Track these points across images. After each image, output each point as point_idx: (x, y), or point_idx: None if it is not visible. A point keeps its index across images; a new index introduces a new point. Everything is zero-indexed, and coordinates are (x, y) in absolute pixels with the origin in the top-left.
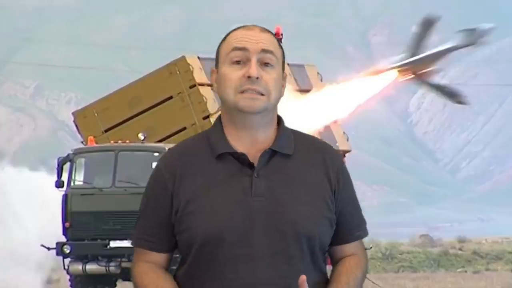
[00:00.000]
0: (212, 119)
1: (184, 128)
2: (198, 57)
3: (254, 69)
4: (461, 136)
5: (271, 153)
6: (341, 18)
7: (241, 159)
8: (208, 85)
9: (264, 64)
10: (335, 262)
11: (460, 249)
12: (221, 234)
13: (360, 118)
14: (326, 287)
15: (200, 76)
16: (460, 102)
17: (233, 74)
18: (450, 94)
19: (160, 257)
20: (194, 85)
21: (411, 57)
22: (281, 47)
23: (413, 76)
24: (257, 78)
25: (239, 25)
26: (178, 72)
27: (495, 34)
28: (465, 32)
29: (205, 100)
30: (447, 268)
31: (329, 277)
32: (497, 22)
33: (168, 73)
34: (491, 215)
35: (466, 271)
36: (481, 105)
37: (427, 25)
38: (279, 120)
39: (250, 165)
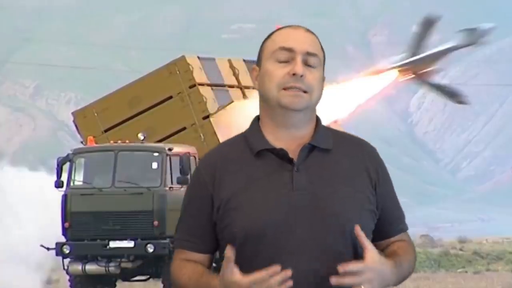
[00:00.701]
0: (212, 119)
1: (184, 128)
2: (198, 57)
3: (300, 67)
4: (462, 136)
5: (310, 148)
6: (341, 18)
7: (280, 154)
8: (208, 85)
9: (308, 65)
10: None
11: (460, 249)
12: (263, 229)
13: (360, 118)
14: None
15: (200, 76)
16: (460, 102)
17: (278, 71)
18: (451, 94)
19: (202, 258)
20: (194, 85)
21: (411, 57)
22: (323, 50)
23: (413, 76)
24: (302, 76)
25: (242, 24)
26: (178, 72)
27: (495, 34)
28: (465, 32)
29: (205, 100)
30: (447, 268)
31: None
32: (497, 22)
33: (168, 73)
34: (492, 215)
35: (466, 272)
36: (481, 105)
37: (428, 24)
38: (317, 119)
39: (290, 160)
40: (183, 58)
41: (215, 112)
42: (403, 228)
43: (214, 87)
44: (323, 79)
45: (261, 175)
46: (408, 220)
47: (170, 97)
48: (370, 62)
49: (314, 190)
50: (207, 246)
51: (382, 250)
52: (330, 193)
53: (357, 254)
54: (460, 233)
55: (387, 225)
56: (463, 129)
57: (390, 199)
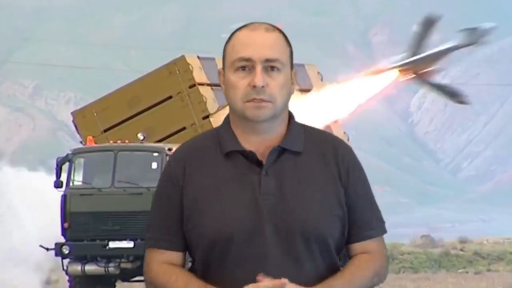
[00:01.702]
0: (212, 119)
1: (184, 128)
2: (198, 57)
3: (259, 79)
4: (462, 136)
5: (280, 151)
6: (341, 16)
7: (249, 157)
8: (208, 84)
9: (270, 68)
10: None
11: (461, 250)
12: (231, 233)
13: (361, 118)
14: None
15: (199, 75)
16: (461, 102)
17: (239, 83)
18: (451, 93)
19: (178, 256)
20: (194, 85)
21: (412, 56)
22: (289, 44)
23: (414, 75)
24: (263, 87)
25: (242, 24)
26: (177, 72)
27: (496, 34)
28: (466, 31)
29: (204, 100)
30: (448, 268)
31: None
32: (498, 21)
33: (167, 72)
34: (493, 216)
35: (467, 272)
36: (482, 105)
37: (428, 24)
38: (290, 116)
39: (259, 163)
40: (182, 57)
41: (215, 112)
42: (373, 235)
43: (214, 87)
44: (291, 76)
45: (230, 177)
46: (408, 220)
47: (170, 97)
48: (371, 62)
49: (281, 195)
50: (182, 243)
51: (351, 257)
52: (298, 199)
53: (327, 261)
54: (460, 234)
55: (353, 228)
56: (464, 129)
57: (360, 201)
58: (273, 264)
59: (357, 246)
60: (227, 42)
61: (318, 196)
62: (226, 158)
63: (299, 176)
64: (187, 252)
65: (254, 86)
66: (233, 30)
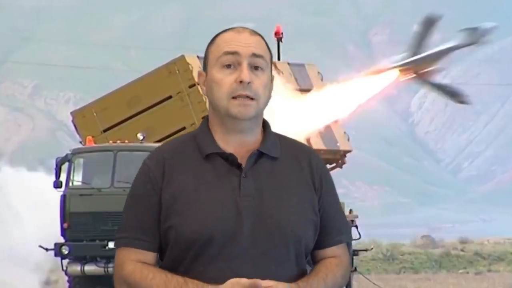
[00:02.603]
0: None
1: (184, 128)
2: (198, 56)
3: (246, 74)
4: (463, 136)
5: (258, 154)
6: (342, 16)
7: (229, 159)
8: None
9: (255, 68)
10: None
11: (462, 250)
12: (210, 234)
13: (361, 118)
14: None
15: None
16: (462, 102)
17: (224, 79)
18: (452, 93)
19: (152, 257)
20: (194, 85)
21: (412, 56)
22: (269, 50)
23: (414, 75)
24: (249, 82)
25: (241, 23)
26: (177, 72)
27: (497, 33)
28: (467, 31)
29: (204, 99)
30: (448, 269)
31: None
32: (499, 21)
33: (167, 72)
34: (493, 216)
35: (468, 272)
36: (483, 105)
37: (429, 24)
38: (264, 123)
39: (238, 166)
40: (182, 57)
41: None
42: (341, 240)
43: None
44: (271, 80)
45: (209, 179)
46: (409, 220)
47: (170, 97)
48: (371, 62)
49: (260, 197)
50: (157, 244)
51: (317, 262)
52: (276, 202)
53: (299, 263)
54: (461, 234)
55: (325, 234)
56: (465, 129)
57: (332, 209)
58: (248, 264)
59: (327, 251)
60: (209, 44)
61: (294, 200)
62: (205, 160)
63: (276, 180)
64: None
65: (241, 82)
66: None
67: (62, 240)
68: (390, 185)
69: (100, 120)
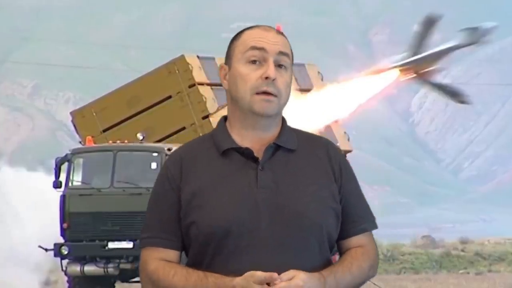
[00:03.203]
0: (212, 119)
1: (183, 128)
2: (198, 56)
3: (272, 70)
4: (463, 136)
5: (275, 147)
6: (342, 16)
7: (245, 153)
8: (208, 84)
9: (279, 66)
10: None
11: (462, 250)
12: (228, 226)
13: (361, 118)
14: None
15: (199, 75)
16: (462, 102)
17: (250, 75)
18: (452, 93)
19: (175, 255)
20: (194, 85)
21: (412, 56)
22: (292, 52)
23: (414, 75)
24: (274, 79)
25: (242, 23)
26: (177, 71)
27: (497, 33)
28: (467, 31)
29: (204, 99)
30: (449, 269)
31: None
32: (499, 20)
33: (167, 72)
34: (494, 216)
35: (468, 273)
36: (483, 105)
37: (429, 24)
38: (283, 120)
39: (255, 159)
40: (182, 57)
41: (215, 112)
42: (366, 228)
43: (213, 87)
44: (291, 80)
45: (226, 173)
46: (409, 220)
47: (169, 97)
48: (371, 61)
49: (278, 188)
50: (180, 242)
51: (344, 252)
52: (293, 192)
53: (322, 252)
54: (461, 234)
55: (349, 222)
56: (465, 129)
57: (354, 196)
58: (269, 255)
59: (352, 241)
60: (234, 39)
61: (312, 189)
62: (222, 157)
63: (293, 172)
64: (183, 252)
65: (267, 78)
66: (232, 30)
67: (61, 240)
68: (390, 185)
69: (100, 120)
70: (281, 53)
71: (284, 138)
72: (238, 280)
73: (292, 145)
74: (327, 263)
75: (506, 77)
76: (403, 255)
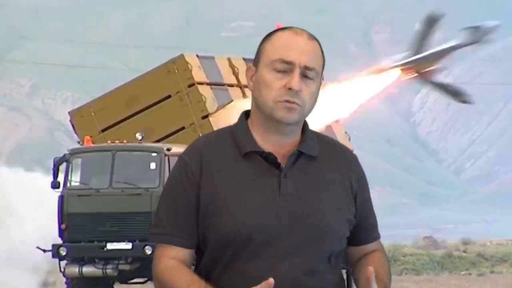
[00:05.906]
0: (211, 119)
1: (183, 128)
2: (197, 56)
3: (296, 82)
4: (465, 136)
5: (298, 154)
6: (343, 15)
7: (269, 158)
8: (207, 84)
9: (305, 77)
10: (354, 262)
11: (464, 251)
12: (249, 234)
13: (362, 118)
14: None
15: (199, 74)
16: (464, 101)
17: (275, 83)
18: (454, 93)
19: (188, 253)
20: (193, 84)
21: (414, 55)
22: (323, 55)
23: (416, 74)
24: (298, 91)
25: (241, 23)
26: (176, 71)
27: (499, 32)
28: (469, 30)
29: (204, 99)
30: (451, 270)
31: (353, 272)
32: (501, 19)
33: (166, 71)
34: (496, 217)
35: (470, 274)
36: (485, 104)
37: (431, 22)
38: (304, 124)
39: (277, 165)
40: (181, 56)
41: (215, 112)
42: (378, 236)
43: (213, 86)
44: (318, 88)
45: (248, 177)
46: (410, 221)
47: (169, 96)
48: (372, 61)
49: (300, 198)
50: (195, 241)
51: (357, 257)
52: (315, 201)
53: (335, 261)
54: (463, 235)
55: (364, 231)
56: (467, 129)
57: (368, 207)
58: (287, 263)
59: (367, 247)
60: (265, 40)
61: (333, 200)
62: (243, 158)
63: (315, 180)
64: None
65: (290, 89)
66: (232, 29)
67: (60, 241)
68: (391, 186)
69: (98, 119)
70: (307, 68)
71: (307, 145)
72: None
73: (314, 152)
74: (338, 272)
75: (508, 76)
76: (405, 256)
